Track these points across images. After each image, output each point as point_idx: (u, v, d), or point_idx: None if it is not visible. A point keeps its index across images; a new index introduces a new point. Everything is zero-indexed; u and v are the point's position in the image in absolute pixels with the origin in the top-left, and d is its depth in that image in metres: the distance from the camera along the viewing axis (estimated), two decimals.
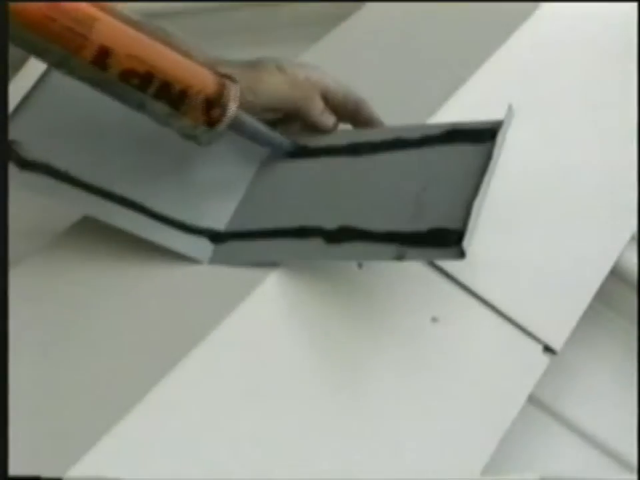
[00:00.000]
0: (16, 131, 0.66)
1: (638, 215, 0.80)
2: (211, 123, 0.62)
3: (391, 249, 0.58)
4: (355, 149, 0.67)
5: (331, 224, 0.61)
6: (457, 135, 0.63)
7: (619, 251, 0.79)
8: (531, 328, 0.69)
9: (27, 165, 0.65)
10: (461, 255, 0.55)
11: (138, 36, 0.60)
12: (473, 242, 0.55)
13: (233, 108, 0.62)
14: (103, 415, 0.53)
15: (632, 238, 0.81)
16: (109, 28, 0.58)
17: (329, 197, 0.65)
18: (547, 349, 0.70)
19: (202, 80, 0.61)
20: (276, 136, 0.67)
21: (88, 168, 0.66)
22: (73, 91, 0.63)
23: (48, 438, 0.53)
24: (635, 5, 0.89)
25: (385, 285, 0.66)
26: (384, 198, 0.62)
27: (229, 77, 0.63)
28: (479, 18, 0.84)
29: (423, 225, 0.58)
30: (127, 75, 0.59)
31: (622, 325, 0.85)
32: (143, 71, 0.59)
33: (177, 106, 0.60)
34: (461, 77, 0.76)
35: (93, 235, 0.65)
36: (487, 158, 0.59)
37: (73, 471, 0.50)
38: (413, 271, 0.67)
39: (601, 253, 0.77)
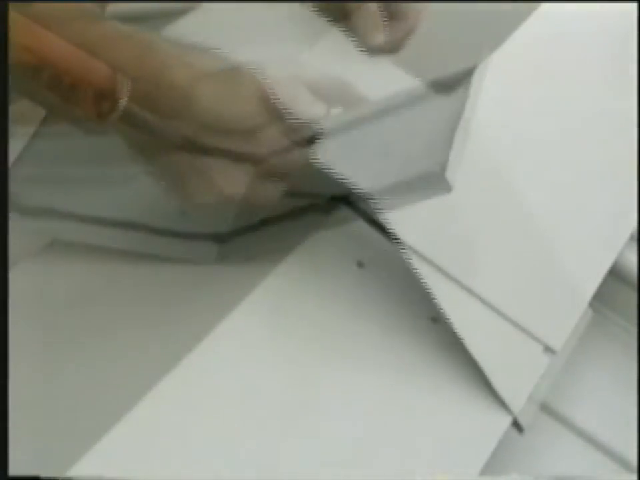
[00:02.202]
0: (16, 182, 0.66)
1: (638, 215, 0.80)
2: (101, 116, 0.62)
3: (384, 203, 0.61)
4: (341, 128, 0.67)
5: (324, 196, 0.62)
6: (434, 89, 0.65)
7: (619, 251, 0.79)
8: (531, 328, 0.69)
9: (29, 212, 0.65)
10: (447, 188, 0.57)
11: (28, 26, 0.59)
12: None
13: (123, 101, 0.62)
14: (103, 414, 0.53)
15: (632, 238, 0.81)
16: None
17: (322, 176, 0.65)
18: (547, 349, 0.70)
19: (93, 73, 0.61)
20: (168, 128, 0.67)
21: (90, 203, 0.66)
22: (70, 135, 0.63)
23: (48, 438, 0.53)
24: (635, 4, 0.89)
25: (384, 285, 0.66)
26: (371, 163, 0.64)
27: (122, 71, 0.63)
28: (479, 18, 0.84)
29: (409, 176, 0.60)
30: (16, 66, 0.58)
31: (622, 325, 0.85)
32: (32, 62, 0.58)
33: (67, 98, 0.60)
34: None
35: None
36: (464, 98, 0.61)
37: (73, 471, 0.50)
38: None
39: (601, 252, 0.77)
